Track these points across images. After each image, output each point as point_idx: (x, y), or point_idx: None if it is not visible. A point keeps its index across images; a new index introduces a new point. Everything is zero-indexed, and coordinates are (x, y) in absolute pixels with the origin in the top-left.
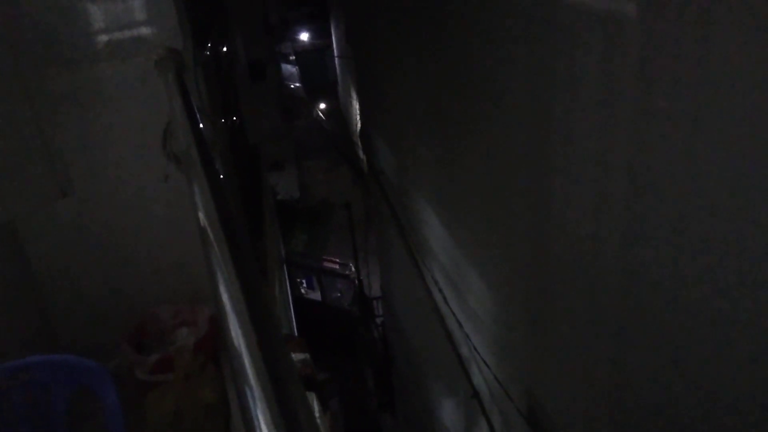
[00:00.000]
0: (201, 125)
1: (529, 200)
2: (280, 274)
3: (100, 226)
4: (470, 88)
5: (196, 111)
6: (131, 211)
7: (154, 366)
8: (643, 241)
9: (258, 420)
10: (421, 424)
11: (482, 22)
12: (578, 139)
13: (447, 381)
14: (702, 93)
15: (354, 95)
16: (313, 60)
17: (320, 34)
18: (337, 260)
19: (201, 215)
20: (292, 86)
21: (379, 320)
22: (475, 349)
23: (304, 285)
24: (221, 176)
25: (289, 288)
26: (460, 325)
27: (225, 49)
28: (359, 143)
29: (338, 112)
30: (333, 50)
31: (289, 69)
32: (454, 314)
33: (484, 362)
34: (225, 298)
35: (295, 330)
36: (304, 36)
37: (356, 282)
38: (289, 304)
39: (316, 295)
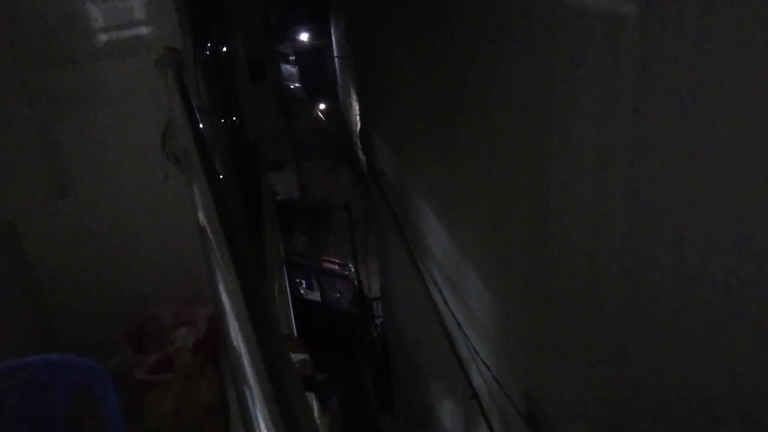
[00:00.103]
0: (201, 125)
1: (529, 200)
2: (280, 274)
3: (100, 226)
4: (470, 88)
5: (196, 111)
6: (131, 211)
7: (154, 366)
8: (643, 242)
9: (257, 420)
10: (420, 424)
11: (482, 22)
12: (578, 139)
13: (446, 381)
14: (702, 93)
15: (354, 95)
16: (312, 60)
17: (320, 34)
18: (337, 260)
19: (201, 215)
20: (292, 86)
21: (378, 321)
22: (475, 349)
23: (304, 285)
24: (221, 176)
25: (288, 288)
26: (460, 326)
27: (225, 48)
28: (359, 143)
29: (338, 113)
30: (333, 50)
31: (289, 69)
32: (453, 315)
33: (484, 363)
34: (224, 298)
35: (295, 330)
36: (304, 36)
37: (356, 282)
38: (289, 305)
39: (315, 296)
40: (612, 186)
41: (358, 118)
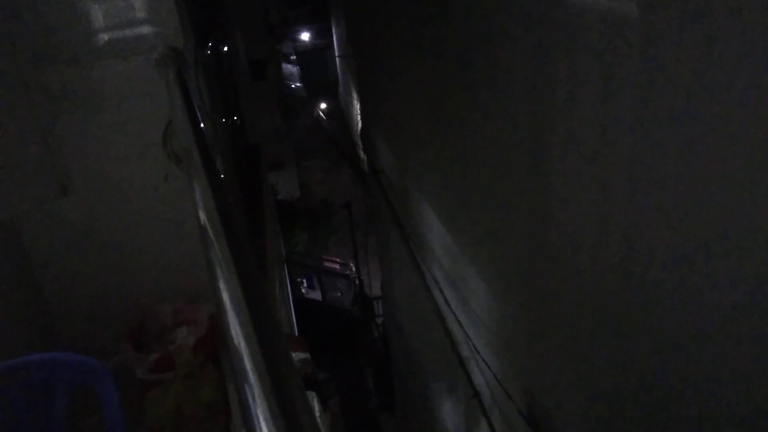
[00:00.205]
0: (201, 124)
1: (529, 200)
2: (281, 273)
3: (100, 224)
4: (470, 88)
5: (197, 110)
6: (131, 210)
7: (154, 365)
8: (643, 242)
9: (258, 419)
10: (421, 423)
11: (482, 22)
12: (578, 139)
13: (447, 381)
14: (702, 93)
15: (355, 95)
16: (313, 59)
17: (321, 33)
18: (338, 260)
19: (201, 214)
20: (293, 86)
21: (379, 320)
22: (476, 348)
23: (305, 285)
24: (222, 175)
25: (289, 287)
26: (461, 325)
27: (226, 48)
28: (360, 143)
29: (339, 112)
30: (334, 50)
31: (290, 69)
32: (454, 314)
33: (485, 362)
34: (225, 296)
35: (296, 329)
36: (305, 35)
37: (356, 282)
38: (290, 304)
39: (316, 295)
40: (612, 186)
41: (359, 117)
